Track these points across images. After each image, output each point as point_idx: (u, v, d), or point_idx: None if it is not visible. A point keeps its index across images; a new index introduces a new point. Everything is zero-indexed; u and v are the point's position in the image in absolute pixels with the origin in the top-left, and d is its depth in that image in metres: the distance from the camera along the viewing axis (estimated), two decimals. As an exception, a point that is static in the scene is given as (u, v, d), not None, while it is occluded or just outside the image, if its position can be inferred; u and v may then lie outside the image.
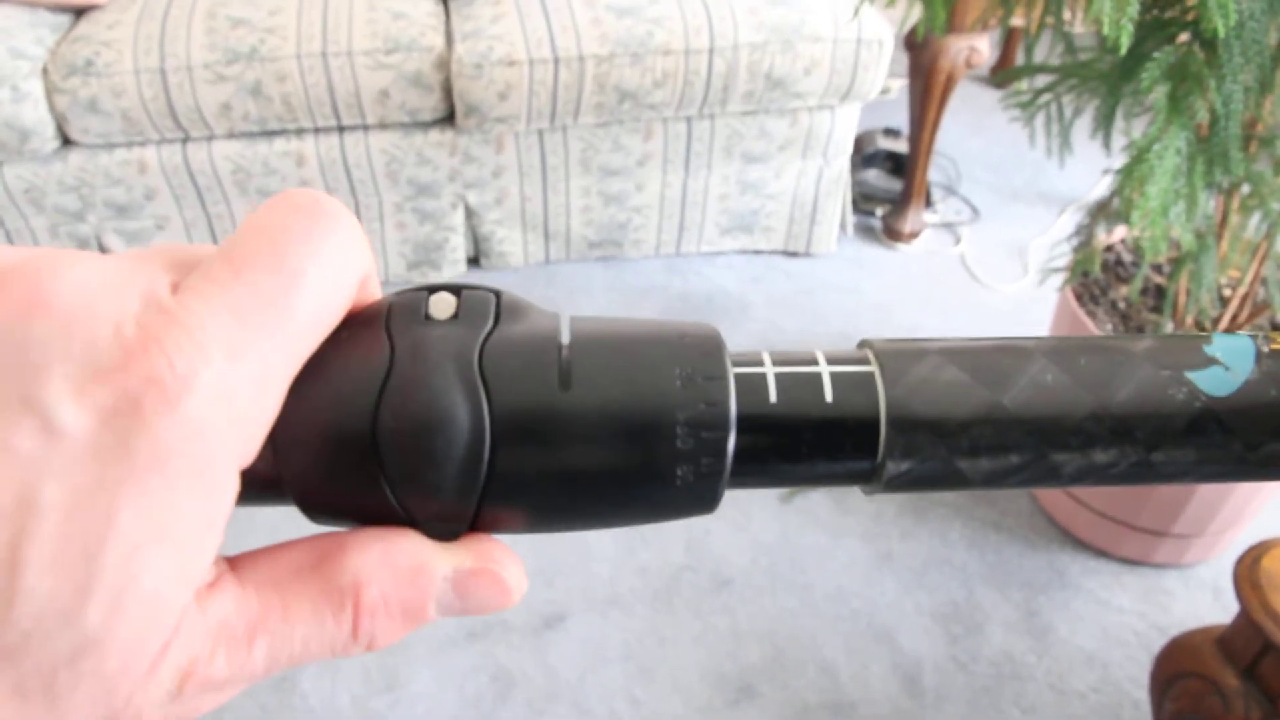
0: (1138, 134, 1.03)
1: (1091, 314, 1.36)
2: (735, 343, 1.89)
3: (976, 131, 2.53)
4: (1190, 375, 0.26)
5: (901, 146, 2.20)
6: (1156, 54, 0.92)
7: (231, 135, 1.80)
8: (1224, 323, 1.32)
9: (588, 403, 0.25)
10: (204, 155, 1.80)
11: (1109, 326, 1.33)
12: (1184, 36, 0.95)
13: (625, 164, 1.92)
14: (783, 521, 1.54)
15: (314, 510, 0.25)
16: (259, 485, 0.25)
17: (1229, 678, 1.04)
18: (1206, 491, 1.32)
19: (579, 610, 1.42)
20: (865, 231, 2.19)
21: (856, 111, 1.94)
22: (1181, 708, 1.09)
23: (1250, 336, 0.27)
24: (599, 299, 2.01)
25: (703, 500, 0.26)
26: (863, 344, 0.28)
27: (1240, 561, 1.03)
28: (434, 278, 2.02)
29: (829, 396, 0.26)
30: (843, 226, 2.14)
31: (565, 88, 1.75)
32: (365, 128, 1.82)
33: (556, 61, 1.72)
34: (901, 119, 2.16)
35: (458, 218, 1.96)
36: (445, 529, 0.25)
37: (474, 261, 2.07)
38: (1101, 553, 1.48)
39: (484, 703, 1.31)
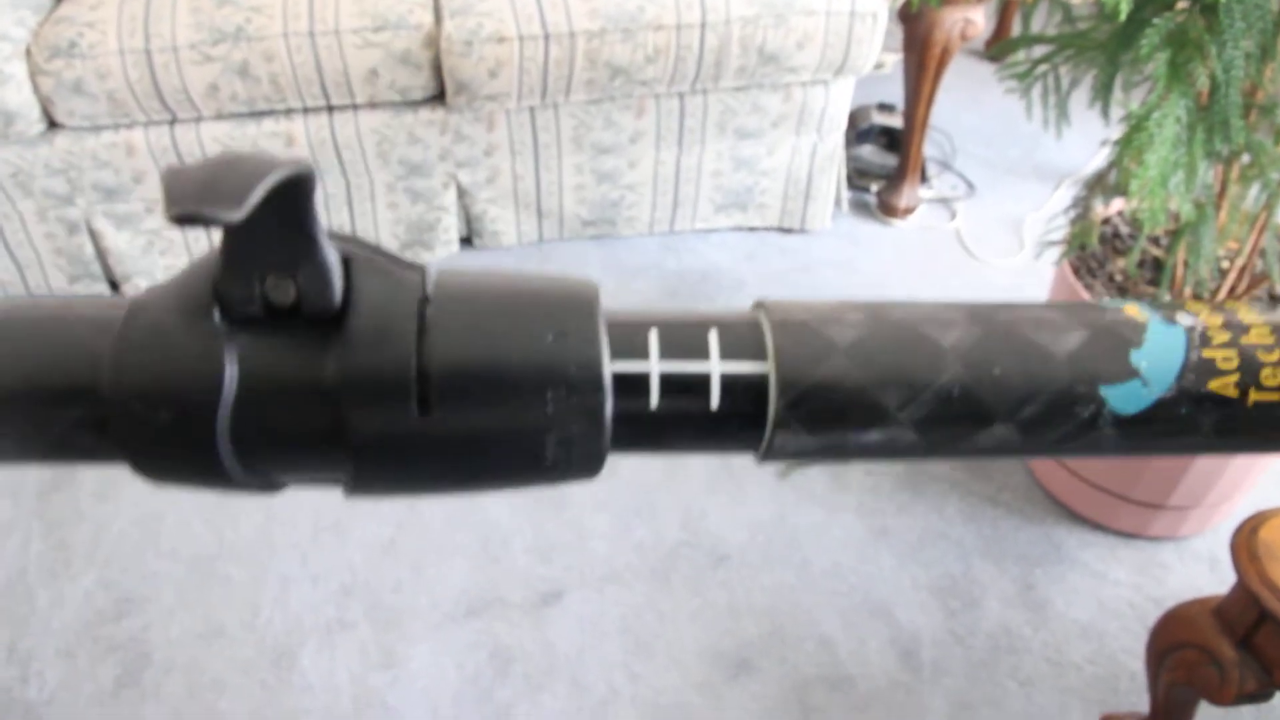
0: (1136, 105, 1.02)
1: (1089, 287, 1.36)
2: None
3: (972, 106, 2.52)
4: (1104, 391, 0.25)
5: (896, 121, 2.19)
6: (1156, 21, 0.91)
7: (219, 116, 1.78)
8: (1222, 294, 1.32)
9: (450, 419, 0.23)
10: (192, 137, 1.78)
11: (1106, 300, 1.33)
12: (1184, 3, 0.94)
13: (618, 141, 1.91)
14: (779, 498, 1.54)
15: (155, 479, 0.25)
16: (89, 446, 0.24)
17: (1225, 648, 1.04)
18: (1203, 464, 1.32)
19: (576, 587, 1.42)
20: (860, 207, 2.18)
21: (850, 86, 1.93)
22: (1177, 678, 1.09)
23: (1186, 332, 0.26)
24: (593, 278, 2.00)
25: (583, 465, 0.25)
26: (757, 306, 0.27)
27: (1238, 532, 1.03)
28: (426, 258, 2.01)
29: (715, 403, 0.25)
30: (837, 203, 2.13)
31: (556, 64, 1.73)
32: (355, 107, 1.80)
33: (547, 38, 1.70)
34: (896, 94, 2.14)
35: (450, 197, 1.95)
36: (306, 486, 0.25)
37: (466, 241, 2.06)
38: (1098, 526, 1.48)
39: (483, 679, 1.31)
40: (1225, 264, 1.34)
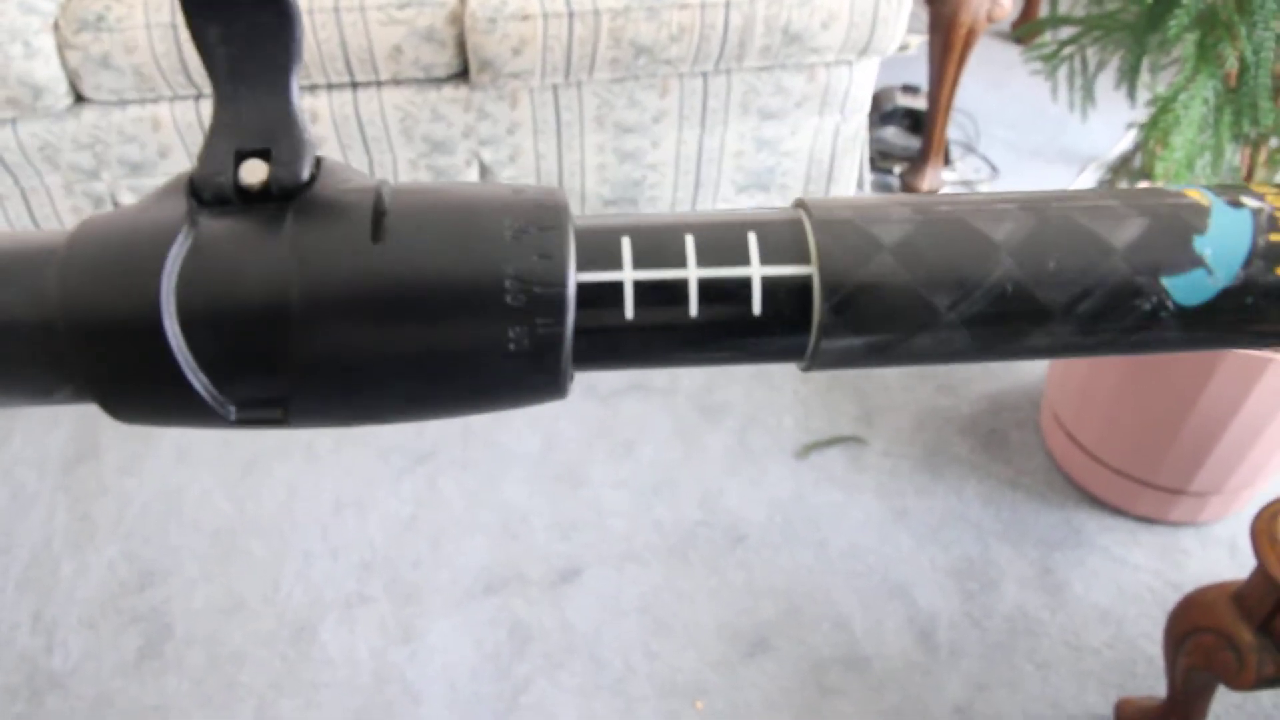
0: (1163, 87, 1.01)
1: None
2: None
3: (996, 88, 2.50)
4: (1166, 282, 0.24)
5: (920, 103, 2.18)
6: (1185, 1, 0.90)
7: (245, 91, 1.78)
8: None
9: (402, 257, 0.22)
10: (217, 112, 1.79)
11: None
12: (1214, -17, 0.93)
13: (641, 120, 1.90)
14: (798, 478, 1.54)
15: (118, 408, 0.23)
16: (46, 382, 0.23)
17: (1244, 633, 1.04)
18: (1225, 449, 1.31)
19: (595, 564, 1.43)
20: (883, 190, 2.17)
21: (875, 67, 1.92)
22: (1195, 663, 1.09)
23: (1253, 215, 0.24)
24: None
25: (545, 374, 0.23)
26: (797, 205, 0.25)
27: (1259, 517, 1.02)
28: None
29: (757, 309, 0.24)
30: (860, 184, 2.12)
31: (580, 42, 1.73)
32: (379, 84, 1.80)
33: (571, 15, 1.70)
34: (920, 75, 2.13)
35: (472, 175, 1.95)
36: (259, 416, 0.23)
37: (488, 219, 2.06)
38: (1118, 510, 1.47)
39: (501, 655, 1.32)
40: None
